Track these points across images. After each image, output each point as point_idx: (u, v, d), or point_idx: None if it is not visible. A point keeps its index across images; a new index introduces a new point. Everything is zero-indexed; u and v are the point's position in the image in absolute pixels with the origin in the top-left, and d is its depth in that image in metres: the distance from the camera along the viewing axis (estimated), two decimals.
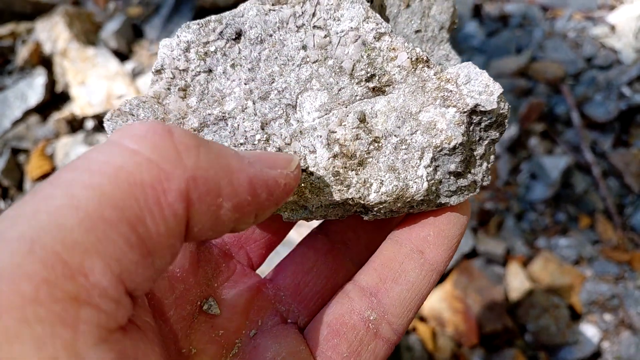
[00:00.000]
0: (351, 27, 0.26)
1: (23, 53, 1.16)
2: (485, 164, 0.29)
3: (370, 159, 0.27)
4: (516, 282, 1.11)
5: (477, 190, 0.29)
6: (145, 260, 0.17)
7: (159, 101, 0.27)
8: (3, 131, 1.11)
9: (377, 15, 0.27)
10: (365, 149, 0.27)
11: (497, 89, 0.26)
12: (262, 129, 0.27)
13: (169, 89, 0.27)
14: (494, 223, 1.19)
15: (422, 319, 1.08)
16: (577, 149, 1.28)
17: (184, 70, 0.27)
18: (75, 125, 1.14)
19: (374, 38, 0.26)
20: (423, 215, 0.29)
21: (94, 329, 0.15)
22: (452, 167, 0.27)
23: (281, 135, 0.28)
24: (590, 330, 1.09)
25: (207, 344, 0.26)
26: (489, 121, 0.27)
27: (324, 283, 0.29)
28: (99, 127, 1.13)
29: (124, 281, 0.16)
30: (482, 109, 0.26)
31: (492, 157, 0.29)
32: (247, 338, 0.28)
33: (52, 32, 1.17)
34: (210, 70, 0.27)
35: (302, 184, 0.28)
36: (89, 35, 1.22)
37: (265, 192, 0.21)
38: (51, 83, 1.16)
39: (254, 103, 0.27)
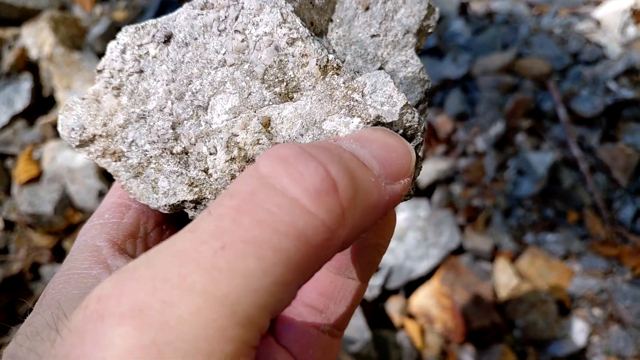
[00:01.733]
0: (265, 32, 0.26)
1: (9, 58, 1.17)
2: None
3: None
4: (504, 278, 1.12)
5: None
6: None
7: (96, 99, 0.29)
8: None
9: (297, 21, 0.26)
10: None
11: (400, 100, 0.25)
12: (173, 129, 0.28)
13: (106, 87, 0.29)
14: (481, 219, 1.19)
15: (410, 316, 1.09)
16: (564, 145, 1.28)
17: (119, 70, 0.29)
18: None
19: (287, 43, 0.26)
20: None
21: None
22: None
23: (188, 135, 0.28)
24: (579, 325, 1.10)
25: None
26: (398, 133, 0.26)
27: None
28: None
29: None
30: (384, 121, 0.26)
31: (416, 171, 0.28)
32: None
33: (38, 38, 1.18)
34: (141, 71, 0.28)
35: (202, 185, 0.29)
36: (75, 39, 1.23)
37: (391, 208, 0.24)
38: (37, 88, 1.17)
39: (172, 103, 0.28)
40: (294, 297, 0.20)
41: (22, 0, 1.24)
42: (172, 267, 0.18)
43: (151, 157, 0.29)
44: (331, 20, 0.32)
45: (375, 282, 1.06)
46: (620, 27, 1.38)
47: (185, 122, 0.28)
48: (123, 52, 0.28)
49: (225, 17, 0.27)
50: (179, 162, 0.29)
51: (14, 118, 1.14)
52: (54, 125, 1.12)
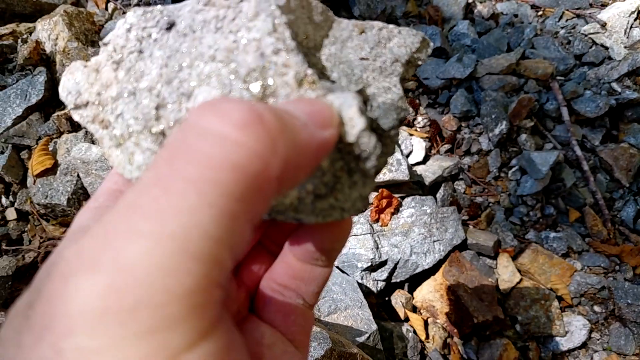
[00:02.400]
0: (255, 38, 0.28)
1: (23, 52, 1.19)
2: (356, 194, 0.29)
3: None
4: (506, 273, 1.13)
5: (345, 216, 0.30)
6: (249, 240, 0.20)
7: (97, 69, 0.31)
8: (5, 128, 1.14)
9: (285, 33, 0.28)
10: None
11: (359, 124, 0.26)
12: (156, 110, 0.30)
13: (107, 60, 0.31)
14: (485, 217, 1.21)
15: (415, 309, 1.11)
16: (567, 145, 1.30)
17: (122, 47, 0.31)
18: (76, 122, 1.16)
19: (272, 52, 0.28)
20: (308, 230, 0.33)
21: (223, 306, 0.20)
22: (310, 187, 0.28)
23: (169, 118, 0.30)
24: (579, 322, 1.11)
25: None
26: (354, 154, 0.28)
27: (260, 276, 0.36)
28: None
29: (235, 261, 0.20)
30: (342, 140, 0.27)
31: (368, 189, 0.29)
32: (235, 321, 0.32)
33: (52, 32, 1.20)
34: (141, 52, 0.30)
35: None
36: (88, 34, 1.25)
37: (323, 155, 0.24)
38: (52, 81, 1.19)
39: (161, 86, 0.30)
40: (249, 232, 0.20)
41: None
42: (119, 218, 0.18)
43: (133, 131, 0.31)
44: (327, 36, 0.34)
45: (381, 276, 1.08)
46: (625, 29, 1.40)
47: (169, 105, 0.29)
48: (128, 30, 0.31)
49: (224, 17, 0.29)
50: (155, 141, 0.30)
51: (29, 111, 1.16)
52: (69, 118, 1.14)
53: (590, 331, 1.13)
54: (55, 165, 1.09)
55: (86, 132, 1.12)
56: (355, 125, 0.26)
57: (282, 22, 0.28)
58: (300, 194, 0.28)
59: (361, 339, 0.90)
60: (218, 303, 0.19)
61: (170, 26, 0.30)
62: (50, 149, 1.12)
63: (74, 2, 1.33)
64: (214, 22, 0.29)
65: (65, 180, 1.06)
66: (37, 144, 1.14)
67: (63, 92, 0.32)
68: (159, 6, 0.31)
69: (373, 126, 0.31)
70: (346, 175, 0.28)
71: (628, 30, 1.42)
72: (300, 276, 0.33)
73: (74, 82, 0.31)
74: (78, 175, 1.07)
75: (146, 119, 0.30)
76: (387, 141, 0.31)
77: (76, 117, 0.32)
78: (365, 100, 0.32)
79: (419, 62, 0.35)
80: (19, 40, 1.23)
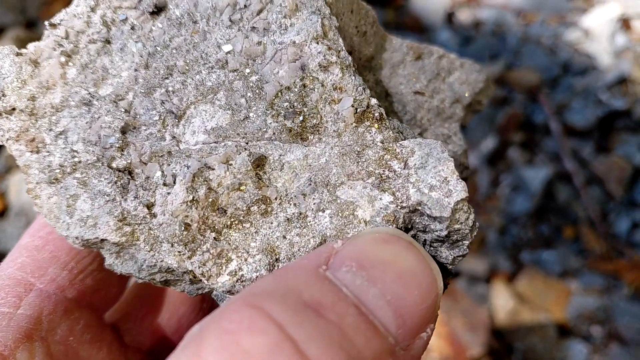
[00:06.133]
0: (294, 42, 0.20)
1: None
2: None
3: (247, 225, 0.20)
4: (501, 301, 1.09)
5: None
6: None
7: (36, 59, 0.22)
8: None
9: (339, 40, 0.20)
10: (245, 208, 0.20)
11: (458, 190, 0.18)
12: (123, 133, 0.21)
13: (54, 49, 0.22)
14: (476, 239, 1.16)
15: None
16: (558, 158, 1.26)
17: (79, 32, 0.22)
18: None
19: (320, 66, 0.20)
20: None
21: None
22: None
23: (142, 148, 0.21)
24: (578, 346, 1.08)
25: None
26: (438, 233, 0.19)
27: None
28: None
29: None
30: (426, 212, 0.19)
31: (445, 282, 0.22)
32: None
33: None
34: (108, 42, 0.22)
35: (137, 226, 0.21)
36: None
37: None
38: None
39: (134, 97, 0.21)
40: None
41: None
42: None
43: (80, 162, 0.21)
44: (373, 58, 0.26)
45: None
46: (609, 36, 1.37)
47: (144, 128, 0.21)
48: (92, 10, 0.22)
49: (246, 5, 0.20)
50: (115, 183, 0.21)
51: None
52: None
53: (590, 354, 1.09)
54: (5, 208, 1.00)
55: None
56: (451, 192, 0.18)
57: (334, 25, 0.20)
58: None
59: None
60: None
61: (159, 10, 0.22)
62: (1, 189, 1.03)
63: (26, 23, 1.24)
64: (228, 10, 0.20)
65: (18, 224, 0.97)
66: None
67: None
68: None
69: None
70: None
71: (611, 38, 1.38)
72: None
73: None
74: (32, 218, 0.98)
75: (104, 144, 0.21)
76: None
77: None
78: None
79: (479, 108, 0.27)
80: None
